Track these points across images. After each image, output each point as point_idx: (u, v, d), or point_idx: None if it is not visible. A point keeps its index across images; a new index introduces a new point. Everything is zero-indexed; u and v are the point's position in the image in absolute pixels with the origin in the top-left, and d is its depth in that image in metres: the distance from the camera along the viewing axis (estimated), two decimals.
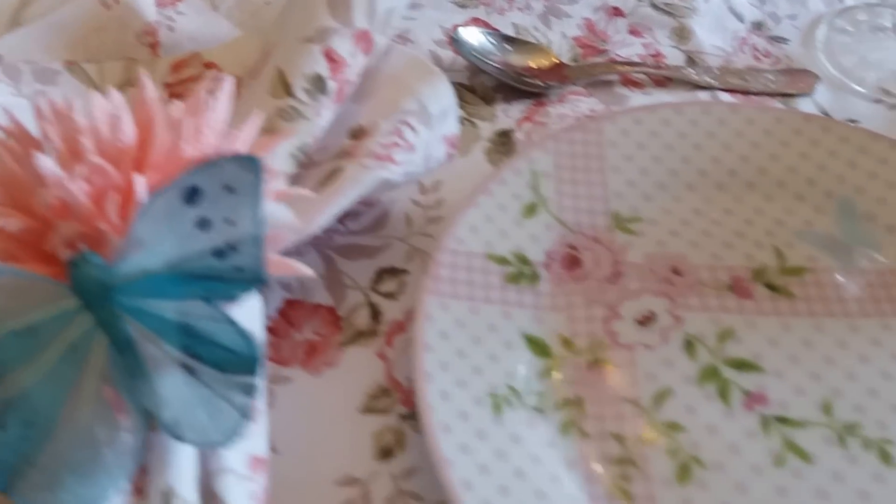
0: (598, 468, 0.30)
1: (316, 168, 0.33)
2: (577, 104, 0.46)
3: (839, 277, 0.36)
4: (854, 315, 0.35)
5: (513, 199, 0.38)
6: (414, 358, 0.31)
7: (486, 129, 0.45)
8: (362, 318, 0.36)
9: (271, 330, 0.35)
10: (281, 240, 0.30)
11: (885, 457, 0.31)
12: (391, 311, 0.36)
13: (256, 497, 0.26)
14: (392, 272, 0.38)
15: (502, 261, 0.36)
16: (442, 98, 0.34)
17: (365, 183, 0.31)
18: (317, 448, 0.32)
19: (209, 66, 0.45)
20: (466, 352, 0.32)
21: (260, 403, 0.29)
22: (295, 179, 0.32)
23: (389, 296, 0.37)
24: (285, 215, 0.30)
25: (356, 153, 0.31)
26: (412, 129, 0.33)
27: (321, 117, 0.32)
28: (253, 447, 0.27)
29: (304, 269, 0.28)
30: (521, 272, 0.36)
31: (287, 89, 0.31)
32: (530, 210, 0.38)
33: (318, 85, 0.31)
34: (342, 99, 0.33)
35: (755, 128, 0.41)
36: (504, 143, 0.44)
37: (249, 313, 0.29)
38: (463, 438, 0.29)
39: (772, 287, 0.36)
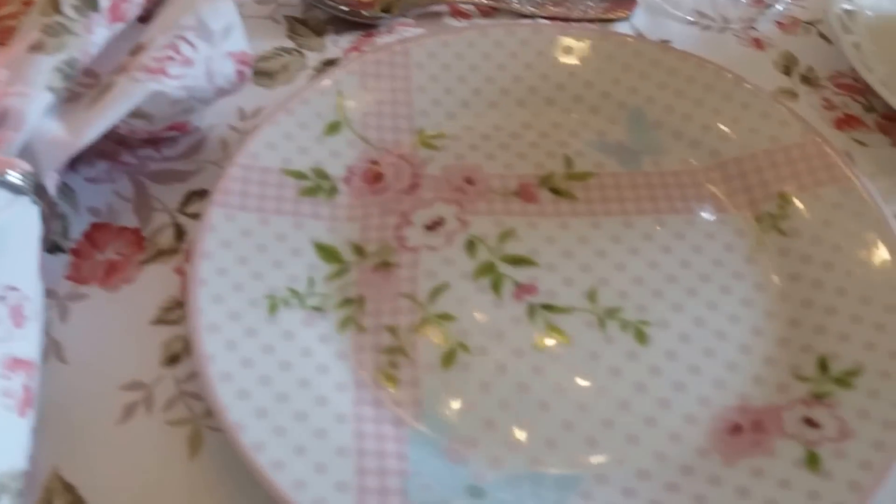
0: (368, 358, 0.32)
1: (98, 85, 0.34)
2: (404, 34, 0.48)
3: (622, 180, 0.39)
4: (631, 213, 0.38)
5: (316, 117, 0.39)
6: (191, 266, 0.33)
7: (314, 59, 0.46)
8: (166, 238, 0.37)
9: (74, 252, 0.36)
10: (52, 153, 0.31)
11: (640, 337, 0.33)
12: (196, 230, 0.37)
13: (10, 394, 0.27)
14: (201, 194, 0.39)
15: (299, 175, 0.37)
16: (223, 14, 0.35)
17: (135, 95, 0.32)
18: (106, 357, 0.33)
19: (28, 3, 0.45)
20: (249, 259, 0.34)
21: (31, 311, 0.30)
22: (75, 96, 0.33)
23: (195, 216, 0.38)
24: (54, 130, 0.31)
25: (130, 67, 0.32)
26: (190, 44, 0.34)
27: (93, 34, 0.32)
28: (14, 349, 0.28)
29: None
30: (318, 186, 0.37)
31: (55, 6, 0.32)
32: (333, 128, 0.39)
33: (88, 2, 0.32)
34: (120, 17, 0.34)
35: (555, 46, 0.42)
36: None
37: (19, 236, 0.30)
38: (230, 336, 0.31)
39: (556, 191, 0.38)
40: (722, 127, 0.40)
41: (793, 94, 0.45)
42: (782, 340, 0.33)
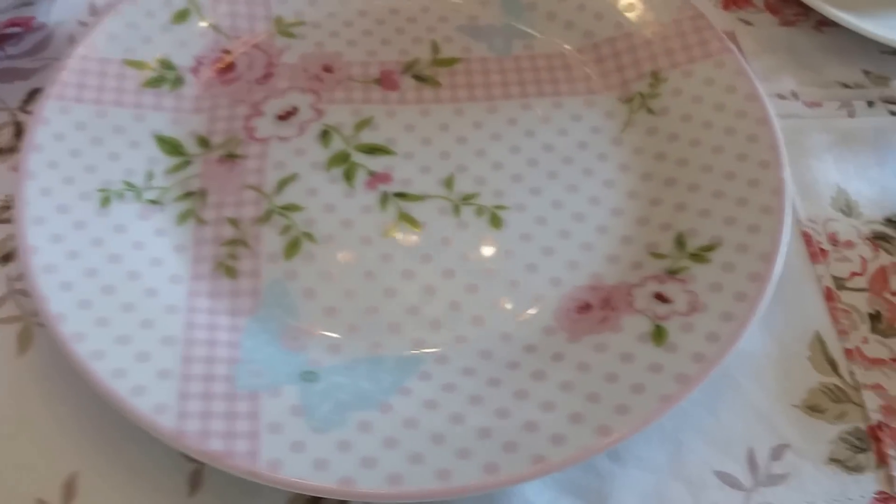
0: (208, 250, 0.31)
1: None
2: None
3: (490, 65, 0.37)
4: (497, 98, 0.36)
5: (163, 6, 0.36)
6: (20, 159, 0.31)
7: None
8: (5, 136, 0.35)
9: None
10: None
11: (495, 221, 0.32)
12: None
13: None
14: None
15: (141, 66, 0.35)
16: None
17: None
18: None
19: None
20: (83, 151, 0.32)
21: None
22: None
23: None
24: None
25: None
26: None
27: None
28: None
29: None
30: (162, 77, 0.35)
31: None
32: (181, 16, 0.36)
33: None
34: None
35: None
36: None
37: None
38: (56, 229, 0.29)
39: (420, 78, 0.36)
40: (597, 6, 0.38)
41: None
42: (641, 220, 0.32)
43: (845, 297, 0.32)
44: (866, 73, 0.39)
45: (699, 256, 0.30)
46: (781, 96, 0.38)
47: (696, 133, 0.34)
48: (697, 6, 0.37)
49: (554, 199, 0.33)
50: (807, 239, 0.33)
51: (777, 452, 0.28)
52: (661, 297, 0.29)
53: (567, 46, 0.37)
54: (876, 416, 0.29)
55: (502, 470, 0.24)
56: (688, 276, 0.30)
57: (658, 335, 0.28)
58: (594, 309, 0.30)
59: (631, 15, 0.37)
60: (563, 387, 0.27)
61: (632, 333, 0.28)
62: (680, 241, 0.31)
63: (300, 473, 0.24)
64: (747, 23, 0.41)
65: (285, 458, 0.24)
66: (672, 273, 0.30)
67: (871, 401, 0.29)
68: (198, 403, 0.26)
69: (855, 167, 0.36)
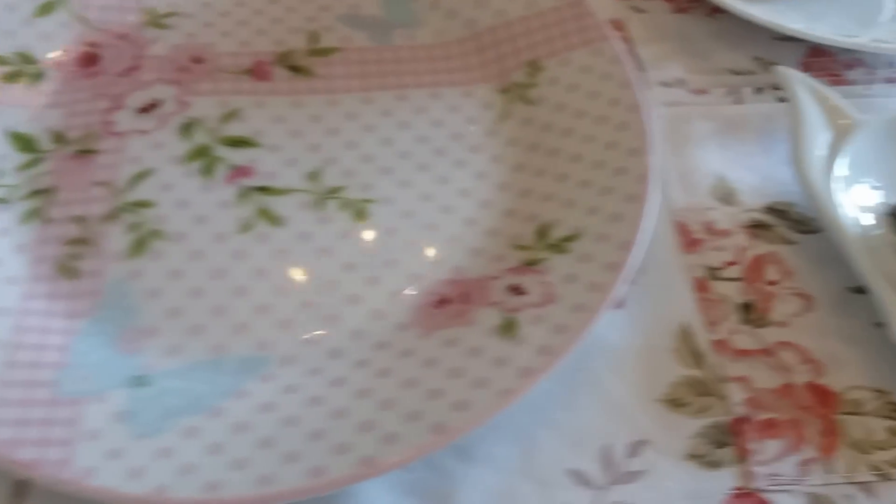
0: (50, 250, 0.29)
1: None
2: None
3: (368, 55, 0.36)
4: (373, 89, 0.35)
5: None
6: None
7: None
8: None
9: None
10: None
11: (359, 215, 0.31)
12: None
13: None
14: None
15: None
16: None
17: None
18: None
19: None
20: None
21: None
22: None
23: None
24: None
25: None
26: None
27: None
28: None
29: None
30: (20, 71, 0.34)
31: None
32: (46, 8, 0.35)
33: None
34: None
35: None
36: None
37: None
38: None
39: (294, 68, 0.35)
40: None
41: None
42: (509, 212, 0.31)
43: (718, 287, 0.31)
44: (757, 59, 0.38)
45: (559, 247, 0.29)
46: (667, 84, 0.37)
47: (570, 122, 0.33)
48: None
49: (423, 192, 0.32)
50: (681, 228, 0.32)
51: (634, 449, 0.27)
52: (516, 290, 0.28)
53: (449, 36, 0.37)
54: (739, 410, 0.28)
55: (329, 472, 0.23)
56: (545, 267, 0.29)
57: (508, 328, 0.27)
58: (452, 303, 0.29)
59: (512, 3, 0.36)
60: (406, 384, 0.26)
61: (482, 327, 0.27)
62: (542, 233, 0.30)
63: (112, 482, 0.23)
64: (639, 10, 0.40)
65: (100, 466, 0.23)
66: (530, 264, 0.29)
67: (736, 394, 0.28)
68: (13, 411, 0.24)
69: (738, 155, 0.35)
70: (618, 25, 0.39)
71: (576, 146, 0.32)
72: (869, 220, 0.31)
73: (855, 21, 0.39)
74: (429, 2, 0.37)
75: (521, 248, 0.30)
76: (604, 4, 0.39)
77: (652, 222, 0.29)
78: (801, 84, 0.34)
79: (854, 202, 0.31)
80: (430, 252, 0.30)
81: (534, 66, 0.35)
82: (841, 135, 0.33)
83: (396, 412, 0.25)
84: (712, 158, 0.35)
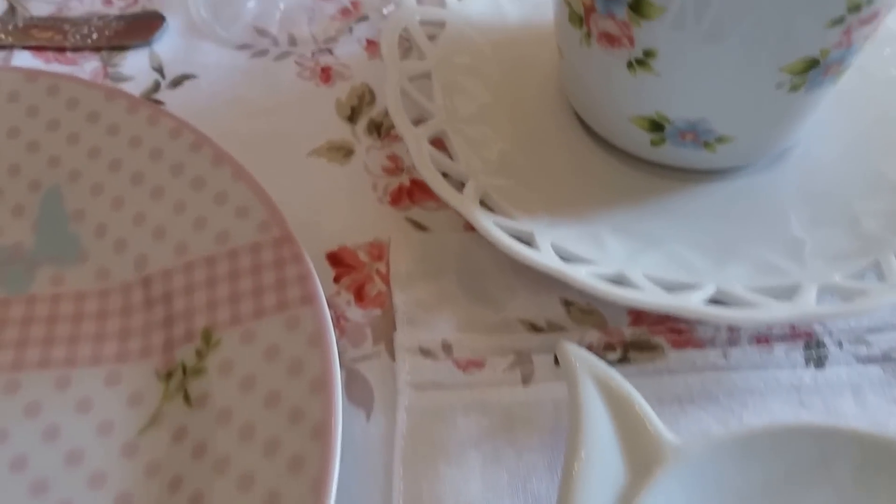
0: None
1: None
2: None
3: None
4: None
5: None
6: None
7: None
8: None
9: None
10: None
11: None
12: None
13: None
14: None
15: None
16: None
17: None
18: None
19: None
20: None
21: None
22: None
23: None
24: None
25: None
26: None
27: None
28: None
29: None
30: None
31: None
32: None
33: None
34: None
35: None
36: None
37: None
38: None
39: None
40: (161, 215, 0.26)
41: (347, 152, 0.31)
42: None
43: None
44: (568, 305, 0.27)
45: None
46: (425, 352, 0.25)
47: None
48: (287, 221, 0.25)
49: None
50: None
51: None
52: None
53: (112, 278, 0.25)
54: None
55: None
56: None
57: None
58: None
59: (203, 233, 0.25)
60: None
61: None
62: None
63: None
64: (420, 226, 0.29)
65: None
66: None
67: None
68: None
69: (515, 478, 0.23)
70: (383, 248, 0.27)
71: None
72: None
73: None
74: (97, 224, 0.26)
75: None
76: (373, 218, 0.28)
77: None
78: (587, 378, 0.21)
79: None
80: None
81: (207, 338, 0.23)
82: (640, 472, 0.20)
83: None
84: (472, 488, 0.23)
